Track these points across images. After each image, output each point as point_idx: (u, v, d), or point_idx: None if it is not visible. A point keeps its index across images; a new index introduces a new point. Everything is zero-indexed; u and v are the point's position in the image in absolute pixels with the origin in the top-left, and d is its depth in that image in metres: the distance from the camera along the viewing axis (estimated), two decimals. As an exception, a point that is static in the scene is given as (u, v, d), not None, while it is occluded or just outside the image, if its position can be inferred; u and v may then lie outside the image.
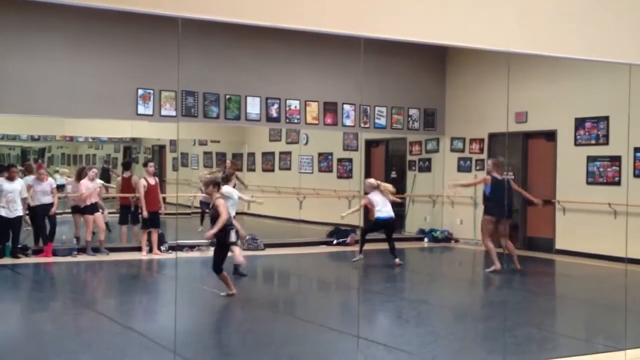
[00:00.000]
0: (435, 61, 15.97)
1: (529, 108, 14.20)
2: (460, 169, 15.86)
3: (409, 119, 15.76)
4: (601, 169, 13.16)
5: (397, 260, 12.02)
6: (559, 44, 6.47)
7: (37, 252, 12.29)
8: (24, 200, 12.09)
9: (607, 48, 6.59)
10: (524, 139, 14.55)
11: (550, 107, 13.97)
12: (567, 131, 13.73)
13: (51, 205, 12.40)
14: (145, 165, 13.50)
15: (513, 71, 13.21)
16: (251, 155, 20.09)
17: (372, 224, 12.80)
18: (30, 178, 12.61)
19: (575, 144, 13.62)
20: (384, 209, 12.29)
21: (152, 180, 12.86)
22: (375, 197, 12.28)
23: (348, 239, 14.96)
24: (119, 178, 14.19)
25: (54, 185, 12.59)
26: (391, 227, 12.43)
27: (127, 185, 13.69)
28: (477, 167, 15.50)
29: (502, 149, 15.07)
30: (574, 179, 13.55)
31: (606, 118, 13.07)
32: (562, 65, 13.18)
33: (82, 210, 12.65)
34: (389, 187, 12.56)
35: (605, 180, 13.09)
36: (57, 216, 12.77)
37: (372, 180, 12.67)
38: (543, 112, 14.07)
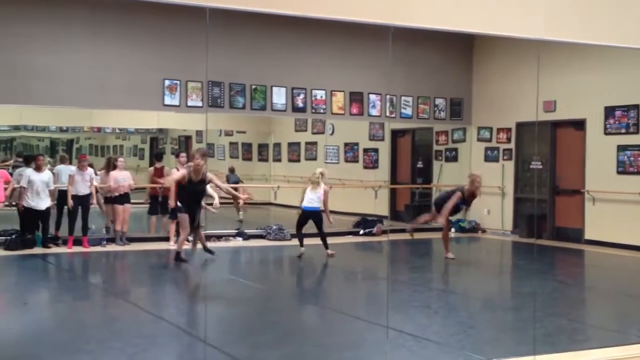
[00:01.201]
0: (462, 50, 15.85)
1: (558, 97, 14.04)
2: (487, 158, 15.75)
3: (436, 108, 15.67)
4: (631, 159, 12.98)
5: (328, 251, 11.85)
6: (589, 31, 6.38)
7: (67, 242, 12.40)
8: (51, 190, 12.20)
9: (638, 35, 6.48)
10: (552, 128, 14.39)
11: (580, 96, 13.80)
12: (597, 120, 13.55)
13: (89, 195, 12.48)
14: (177, 155, 13.58)
15: (541, 59, 13.10)
16: (277, 145, 20.10)
17: (300, 215, 12.11)
18: (71, 167, 12.67)
19: (605, 133, 13.44)
20: (310, 200, 11.79)
21: (183, 171, 12.87)
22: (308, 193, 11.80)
23: (374, 229, 14.93)
24: (151, 168, 14.23)
25: (93, 176, 12.69)
26: (319, 220, 11.90)
27: (159, 176, 13.72)
28: (505, 157, 15.38)
29: (530, 139, 14.94)
30: (603, 168, 13.38)
31: (636, 106, 12.88)
32: (592, 52, 13.00)
33: (114, 200, 12.73)
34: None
35: (635, 170, 12.91)
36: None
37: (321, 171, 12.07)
38: (572, 101, 13.90)
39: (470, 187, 11.37)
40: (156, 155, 15.21)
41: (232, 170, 17.61)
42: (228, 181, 16.81)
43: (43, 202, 12.06)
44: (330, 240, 14.18)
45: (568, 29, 6.16)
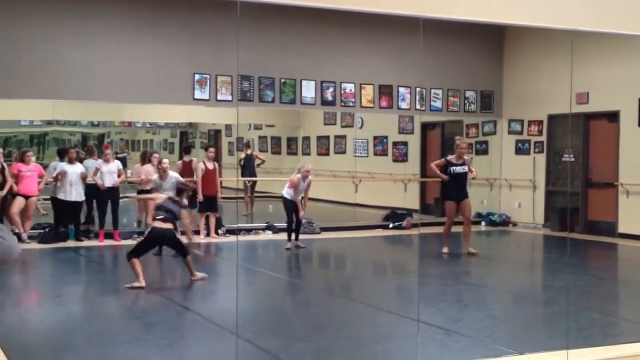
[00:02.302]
0: (492, 41, 15.69)
1: (591, 88, 13.84)
2: (518, 151, 15.60)
3: (466, 101, 15.54)
4: (666, 151, 12.76)
5: (299, 243, 11.88)
6: (624, 21, 6.26)
7: (99, 236, 12.54)
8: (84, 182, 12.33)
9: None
10: (585, 120, 14.20)
11: (613, 87, 13.58)
12: (631, 112, 13.33)
13: (117, 188, 12.57)
14: (205, 149, 13.64)
15: (574, 50, 12.91)
16: (306, 139, 20.10)
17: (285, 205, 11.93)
18: (98, 161, 12.74)
19: None
20: (295, 193, 11.73)
21: (211, 165, 12.93)
22: (300, 183, 11.69)
23: (404, 223, 14.87)
24: (179, 162, 14.30)
25: (121, 167, 12.80)
26: (297, 210, 11.75)
27: (188, 169, 13.78)
28: (536, 150, 15.21)
29: (562, 131, 14.76)
30: (638, 160, 13.16)
31: (672, 98, 12.66)
32: (626, 43, 12.78)
33: (146, 193, 12.78)
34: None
35: (670, 162, 12.70)
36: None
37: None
38: (605, 92, 13.69)
39: (456, 154, 11.40)
40: (184, 149, 15.28)
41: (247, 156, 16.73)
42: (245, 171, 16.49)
43: (77, 194, 12.21)
44: (359, 234, 14.24)
45: (603, 19, 6.06)
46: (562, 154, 14.81)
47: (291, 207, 11.81)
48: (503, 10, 5.77)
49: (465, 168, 11.30)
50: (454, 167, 11.24)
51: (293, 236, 11.94)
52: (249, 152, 16.58)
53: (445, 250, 11.39)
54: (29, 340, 6.53)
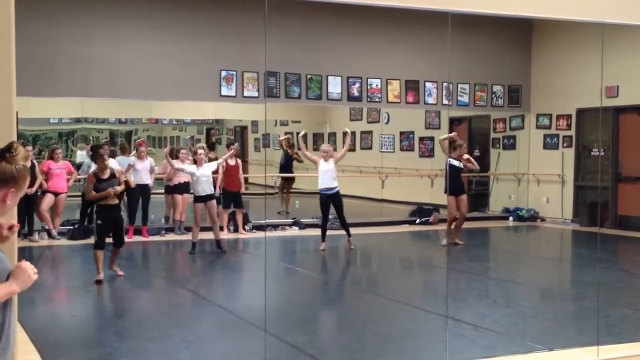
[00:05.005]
0: (520, 35, 15.54)
1: (620, 82, 13.64)
2: (546, 146, 15.45)
3: (493, 95, 15.42)
4: (698, 144, 12.56)
5: (351, 240, 11.33)
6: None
7: (127, 232, 12.62)
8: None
9: None
10: (614, 114, 14.01)
11: (644, 81, 13.40)
12: (662, 105, 13.15)
13: (148, 185, 12.66)
14: (227, 147, 13.71)
15: (603, 43, 12.72)
16: (332, 135, 20.08)
17: (320, 202, 11.29)
18: (131, 158, 12.83)
19: (671, 119, 13.05)
20: (325, 179, 11.09)
21: (233, 161, 12.97)
22: (322, 164, 11.10)
23: (431, 218, 14.81)
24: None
25: (154, 164, 12.90)
26: (339, 201, 11.28)
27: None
28: (565, 144, 15.06)
29: (591, 125, 14.59)
30: (668, 154, 12.98)
31: None
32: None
33: (173, 189, 12.89)
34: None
35: (702, 156, 12.50)
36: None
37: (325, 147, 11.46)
38: (635, 86, 13.49)
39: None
40: (208, 146, 15.31)
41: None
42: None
43: None
44: (386, 229, 14.19)
45: (634, 11, 5.97)
46: (591, 148, 14.64)
47: (326, 202, 11.23)
48: (531, 3, 5.71)
49: (459, 163, 11.46)
50: (451, 160, 11.46)
51: (328, 236, 11.58)
52: (290, 151, 16.32)
53: (444, 242, 11.65)
54: (60, 335, 6.61)
